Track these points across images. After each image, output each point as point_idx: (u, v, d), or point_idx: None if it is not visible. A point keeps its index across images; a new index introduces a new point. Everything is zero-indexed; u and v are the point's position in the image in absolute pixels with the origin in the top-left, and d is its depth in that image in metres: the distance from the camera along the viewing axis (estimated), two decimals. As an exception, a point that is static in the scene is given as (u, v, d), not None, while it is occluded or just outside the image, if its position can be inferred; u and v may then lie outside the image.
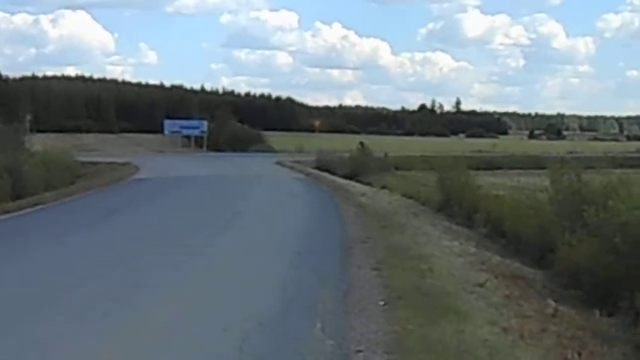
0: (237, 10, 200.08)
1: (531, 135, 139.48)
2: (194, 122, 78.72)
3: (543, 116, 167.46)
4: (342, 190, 32.47)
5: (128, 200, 27.65)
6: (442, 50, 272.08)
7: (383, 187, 34.48)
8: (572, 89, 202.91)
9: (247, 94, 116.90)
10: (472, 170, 28.68)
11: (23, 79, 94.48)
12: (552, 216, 17.38)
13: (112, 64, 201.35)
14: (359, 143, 51.99)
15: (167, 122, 78.64)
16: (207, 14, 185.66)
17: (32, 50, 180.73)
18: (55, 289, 11.79)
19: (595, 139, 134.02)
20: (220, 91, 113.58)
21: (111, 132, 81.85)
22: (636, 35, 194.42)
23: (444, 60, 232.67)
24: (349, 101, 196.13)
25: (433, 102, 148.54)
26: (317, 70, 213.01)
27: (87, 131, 79.04)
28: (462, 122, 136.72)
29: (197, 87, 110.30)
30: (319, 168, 48.28)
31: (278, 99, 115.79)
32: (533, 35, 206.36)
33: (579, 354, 9.67)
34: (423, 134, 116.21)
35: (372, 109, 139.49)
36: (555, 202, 17.62)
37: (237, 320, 9.88)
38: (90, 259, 14.61)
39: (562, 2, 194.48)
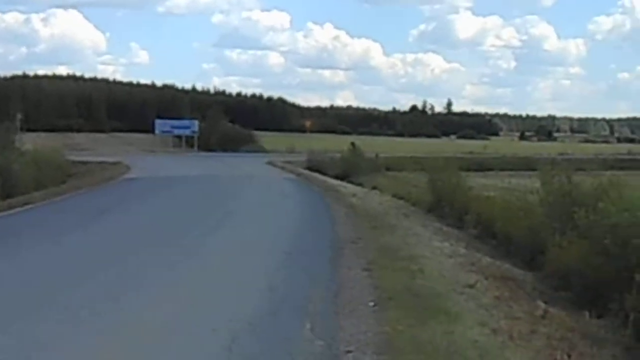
0: (228, 10, 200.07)
1: (522, 137, 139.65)
2: (185, 122, 78.74)
3: (534, 118, 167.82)
4: (333, 190, 32.47)
5: (119, 200, 27.62)
6: (434, 52, 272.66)
7: (374, 188, 34.47)
8: (563, 90, 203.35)
9: (239, 94, 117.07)
10: (463, 171, 28.70)
11: (14, 77, 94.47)
12: (542, 218, 17.40)
13: (103, 63, 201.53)
14: (350, 144, 51.99)
15: (158, 122, 78.63)
16: (199, 14, 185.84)
17: (23, 49, 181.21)
18: (50, 289, 11.76)
19: (586, 140, 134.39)
20: (212, 91, 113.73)
21: (102, 131, 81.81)
22: (627, 37, 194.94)
23: (435, 62, 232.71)
24: (341, 102, 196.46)
25: (424, 103, 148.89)
26: (308, 70, 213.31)
27: (78, 130, 79.01)
28: (454, 123, 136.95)
29: (188, 87, 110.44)
30: (310, 168, 48.29)
31: (269, 99, 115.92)
32: (524, 37, 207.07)
33: (569, 356, 9.68)
34: (414, 135, 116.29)
35: (363, 109, 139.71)
36: (546, 204, 17.65)
37: (227, 320, 9.87)
38: (82, 259, 14.59)
39: (553, 4, 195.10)
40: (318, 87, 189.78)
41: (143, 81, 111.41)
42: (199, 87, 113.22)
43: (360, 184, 37.29)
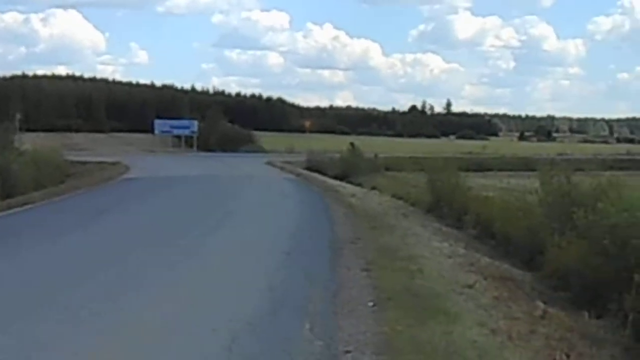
0: (228, 11, 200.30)
1: (521, 137, 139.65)
2: (185, 122, 78.79)
3: (533, 118, 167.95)
4: (332, 190, 32.48)
5: (118, 200, 27.63)
6: (433, 52, 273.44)
7: (373, 188, 34.46)
8: (562, 91, 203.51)
9: (238, 94, 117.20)
10: (462, 171, 28.68)
11: (13, 77, 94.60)
12: (541, 218, 17.41)
13: (103, 63, 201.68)
14: (350, 144, 51.95)
15: (157, 122, 78.69)
16: (199, 14, 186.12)
17: (23, 49, 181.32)
18: (50, 289, 11.78)
19: (585, 141, 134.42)
20: (211, 91, 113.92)
21: (101, 131, 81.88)
22: (627, 37, 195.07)
23: (434, 62, 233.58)
24: (340, 102, 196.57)
25: (424, 103, 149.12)
26: (308, 70, 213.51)
27: (78, 130, 79.07)
28: (453, 124, 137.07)
29: (187, 87, 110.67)
30: (310, 168, 48.30)
31: (269, 99, 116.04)
32: (524, 37, 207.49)
33: (568, 356, 9.68)
34: (413, 135, 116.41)
35: (362, 109, 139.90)
36: (545, 204, 17.65)
37: (227, 320, 9.88)
38: (81, 259, 14.60)
39: (552, 4, 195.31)
40: (317, 87, 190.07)
41: (142, 81, 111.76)
42: (198, 87, 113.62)
43: (359, 184, 37.29)
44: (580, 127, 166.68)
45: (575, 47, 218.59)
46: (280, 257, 15.21)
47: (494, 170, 52.21)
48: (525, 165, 43.70)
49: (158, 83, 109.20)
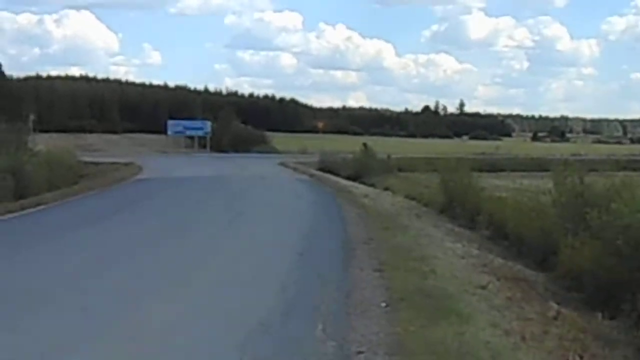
0: (240, 12, 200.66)
1: (535, 138, 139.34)
2: (198, 123, 78.87)
3: (547, 118, 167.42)
4: (345, 191, 32.47)
5: (131, 201, 27.68)
6: (446, 52, 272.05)
7: (386, 189, 34.48)
8: (576, 91, 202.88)
9: (251, 95, 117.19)
10: (475, 172, 28.64)
11: (27, 78, 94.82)
12: (555, 218, 17.37)
13: (115, 64, 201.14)
14: (362, 144, 51.90)
15: (170, 123, 78.77)
16: (211, 15, 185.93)
17: (36, 50, 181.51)
18: (62, 288, 11.83)
19: (599, 141, 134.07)
20: (224, 92, 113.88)
21: (115, 132, 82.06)
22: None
23: (447, 62, 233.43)
24: (353, 102, 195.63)
25: (437, 103, 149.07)
26: (320, 71, 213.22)
27: (91, 131, 79.27)
28: (466, 124, 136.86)
29: (200, 87, 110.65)
30: (322, 169, 48.28)
31: (282, 100, 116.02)
32: (537, 38, 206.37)
33: (581, 357, 9.66)
34: (426, 135, 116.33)
35: (375, 110, 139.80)
36: (558, 205, 17.61)
37: (239, 320, 9.91)
38: (92, 260, 14.62)
39: (566, 4, 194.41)
40: (330, 88, 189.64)
41: (155, 82, 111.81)
42: (211, 88, 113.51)
43: (372, 185, 37.31)
44: (594, 128, 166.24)
45: (589, 47, 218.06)
46: (293, 257, 15.22)
47: (507, 170, 52.22)
48: (539, 165, 43.72)
49: (171, 84, 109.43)
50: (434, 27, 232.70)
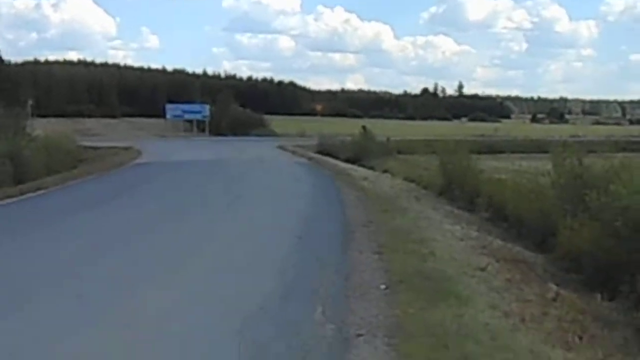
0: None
1: (534, 119, 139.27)
2: (196, 107, 78.79)
3: (545, 100, 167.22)
4: (344, 174, 32.46)
5: (129, 185, 27.66)
6: (445, 34, 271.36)
7: (385, 171, 34.47)
8: (574, 72, 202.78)
9: (249, 78, 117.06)
10: (474, 154, 28.63)
11: (25, 63, 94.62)
12: (554, 200, 17.38)
13: (114, 48, 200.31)
14: (361, 127, 51.87)
15: (169, 107, 78.68)
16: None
17: (34, 35, 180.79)
18: (62, 272, 11.84)
19: (598, 122, 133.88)
20: (222, 75, 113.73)
21: (113, 116, 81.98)
22: (639, 18, 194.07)
23: (446, 44, 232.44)
24: (351, 85, 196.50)
25: (435, 86, 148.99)
26: (319, 54, 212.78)
27: (89, 116, 79.19)
28: (465, 106, 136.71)
29: (199, 71, 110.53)
30: (321, 152, 48.25)
31: (280, 83, 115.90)
32: (536, 19, 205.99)
33: (580, 338, 9.68)
34: (425, 118, 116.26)
35: (374, 92, 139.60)
36: (557, 186, 17.61)
37: (238, 304, 9.90)
38: (91, 244, 14.61)
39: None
40: (329, 71, 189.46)
41: (154, 66, 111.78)
42: (209, 71, 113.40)
43: (371, 168, 37.29)
44: (593, 109, 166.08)
45: (587, 28, 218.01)
46: (292, 240, 15.22)
47: (506, 152, 52.29)
48: (538, 147, 43.76)
49: (169, 68, 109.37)
50: (432, 9, 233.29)
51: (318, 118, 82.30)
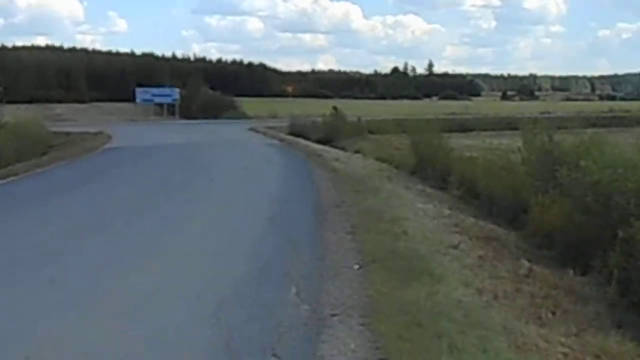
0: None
1: (504, 97, 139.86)
2: (166, 90, 78.31)
3: (515, 77, 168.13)
4: (315, 155, 32.43)
5: (101, 170, 27.51)
6: (414, 13, 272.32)
7: (357, 152, 34.49)
8: (544, 49, 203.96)
9: (219, 61, 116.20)
10: (445, 132, 28.74)
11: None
12: (524, 177, 17.46)
13: (82, 32, 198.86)
14: (332, 108, 51.76)
15: (138, 91, 78.17)
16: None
17: (1, 21, 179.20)
18: (38, 257, 11.78)
19: (568, 99, 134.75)
20: (192, 58, 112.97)
21: (83, 101, 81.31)
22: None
23: (415, 23, 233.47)
24: (322, 66, 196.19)
25: (405, 65, 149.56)
26: (288, 35, 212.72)
27: (59, 101, 78.50)
28: (435, 85, 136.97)
29: (168, 54, 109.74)
30: (293, 133, 48.16)
31: (250, 64, 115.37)
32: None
33: (553, 313, 9.76)
34: (396, 97, 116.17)
35: (344, 73, 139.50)
36: (528, 163, 17.70)
37: (212, 287, 9.91)
38: (65, 228, 14.55)
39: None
40: (298, 52, 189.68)
41: (122, 50, 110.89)
42: (178, 54, 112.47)
43: (343, 148, 37.27)
44: (563, 85, 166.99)
45: (556, 4, 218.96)
46: (265, 222, 15.22)
47: (476, 130, 52.46)
48: (508, 124, 43.73)
49: (138, 51, 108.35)
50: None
51: (289, 99, 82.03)
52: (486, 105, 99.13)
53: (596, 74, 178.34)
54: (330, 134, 44.11)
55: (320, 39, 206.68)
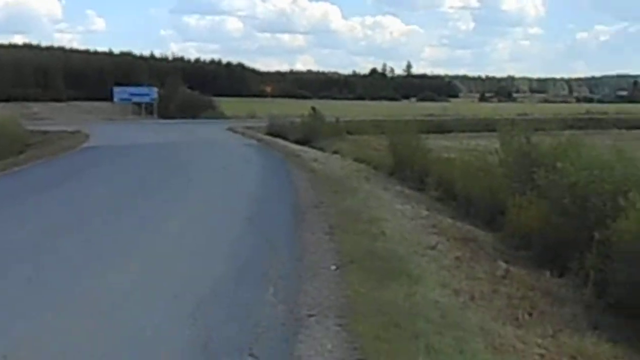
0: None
1: (482, 98, 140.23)
2: (144, 89, 78.09)
3: (493, 79, 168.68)
4: (294, 155, 32.42)
5: (79, 169, 27.43)
6: (393, 14, 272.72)
7: (335, 152, 34.50)
8: (522, 51, 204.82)
9: (197, 60, 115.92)
10: (423, 133, 28.81)
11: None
12: (502, 178, 17.52)
13: (60, 31, 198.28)
14: (311, 108, 51.74)
15: (116, 90, 77.91)
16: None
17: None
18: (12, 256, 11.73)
19: (545, 100, 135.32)
20: (170, 58, 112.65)
21: (60, 100, 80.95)
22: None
23: (394, 24, 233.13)
24: (300, 66, 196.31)
25: (384, 66, 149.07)
26: (267, 35, 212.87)
27: (36, 100, 78.11)
28: (413, 86, 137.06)
29: (146, 53, 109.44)
30: (271, 134, 48.10)
31: (228, 64, 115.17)
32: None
33: (530, 314, 9.79)
34: (375, 98, 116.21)
35: (323, 73, 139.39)
36: (506, 165, 17.75)
37: (190, 288, 9.90)
38: (40, 229, 14.48)
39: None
40: (277, 52, 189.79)
41: (100, 49, 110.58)
42: (157, 53, 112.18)
43: (321, 149, 37.26)
44: (540, 87, 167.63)
45: (534, 7, 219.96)
46: (243, 223, 15.21)
47: (454, 131, 52.67)
48: (486, 126, 43.84)
49: (116, 50, 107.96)
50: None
51: (267, 99, 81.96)
52: (464, 106, 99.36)
53: (574, 76, 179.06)
54: (308, 135, 44.10)
55: (299, 39, 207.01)
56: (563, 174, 13.67)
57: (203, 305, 9.01)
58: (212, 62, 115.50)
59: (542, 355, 8.30)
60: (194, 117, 72.05)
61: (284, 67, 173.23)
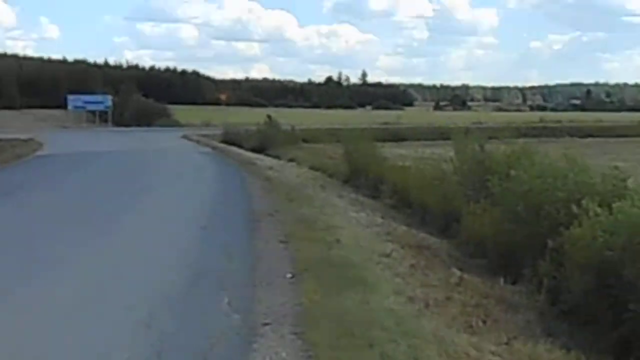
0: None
1: (436, 107, 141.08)
2: (98, 97, 77.74)
3: (448, 87, 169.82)
4: (249, 163, 32.39)
5: (30, 178, 27.15)
6: (348, 23, 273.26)
7: (291, 160, 34.50)
8: (476, 60, 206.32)
9: (152, 68, 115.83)
10: (378, 142, 28.91)
11: None
12: (456, 186, 17.58)
13: (12, 38, 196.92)
14: (267, 116, 51.75)
15: (70, 98, 77.45)
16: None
17: None
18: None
19: (500, 109, 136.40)
20: (125, 65, 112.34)
21: (13, 108, 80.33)
22: (539, 6, 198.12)
23: (349, 33, 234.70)
24: (256, 74, 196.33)
25: (339, 74, 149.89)
26: (222, 42, 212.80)
27: (-12, 108, 77.52)
28: (369, 94, 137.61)
29: (100, 61, 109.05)
30: (226, 142, 48.06)
31: (183, 72, 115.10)
32: (437, 7, 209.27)
33: (484, 322, 9.82)
34: (330, 106, 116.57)
35: (279, 81, 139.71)
36: (460, 172, 17.83)
37: (143, 297, 9.83)
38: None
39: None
40: (233, 60, 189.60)
41: (54, 56, 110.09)
42: (111, 61, 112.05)
43: (277, 157, 37.25)
44: (495, 96, 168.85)
45: (488, 16, 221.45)
46: (197, 231, 15.16)
47: (409, 140, 52.82)
48: (441, 134, 44.12)
49: (70, 58, 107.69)
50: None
51: (223, 107, 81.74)
52: (418, 115, 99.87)
53: (527, 84, 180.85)
54: (264, 143, 44.06)
55: (255, 47, 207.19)
56: (516, 181, 13.75)
57: (157, 314, 8.96)
58: (167, 69, 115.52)
59: (496, 363, 8.33)
60: (148, 125, 71.84)
61: (240, 75, 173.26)
